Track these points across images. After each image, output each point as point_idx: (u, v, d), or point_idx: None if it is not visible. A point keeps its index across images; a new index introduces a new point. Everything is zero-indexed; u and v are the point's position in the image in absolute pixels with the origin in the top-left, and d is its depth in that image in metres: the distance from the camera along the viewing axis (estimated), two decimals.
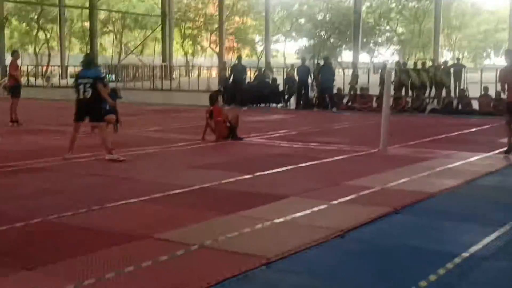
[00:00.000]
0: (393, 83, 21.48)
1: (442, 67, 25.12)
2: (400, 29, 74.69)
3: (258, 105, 23.49)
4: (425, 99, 22.40)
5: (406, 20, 72.04)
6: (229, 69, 25.08)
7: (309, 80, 22.79)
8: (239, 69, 23.96)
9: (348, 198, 7.16)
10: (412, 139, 12.87)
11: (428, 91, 23.87)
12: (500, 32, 71.49)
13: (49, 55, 58.93)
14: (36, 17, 61.38)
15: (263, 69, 29.03)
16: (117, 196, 7.12)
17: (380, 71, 26.73)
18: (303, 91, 22.53)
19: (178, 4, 65.00)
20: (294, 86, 23.27)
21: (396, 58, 68.37)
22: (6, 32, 55.33)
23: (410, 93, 23.21)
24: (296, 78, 23.08)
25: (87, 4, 52.10)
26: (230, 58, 62.13)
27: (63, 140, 12.53)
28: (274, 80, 25.32)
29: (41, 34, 62.78)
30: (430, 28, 56.72)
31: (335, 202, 6.95)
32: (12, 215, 6.25)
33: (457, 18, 72.88)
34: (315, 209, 6.61)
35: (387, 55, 74.04)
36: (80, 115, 10.27)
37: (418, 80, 23.20)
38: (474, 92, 22.31)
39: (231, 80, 23.95)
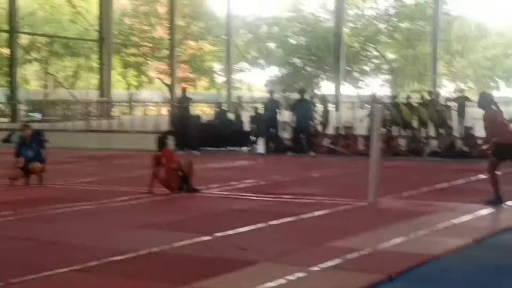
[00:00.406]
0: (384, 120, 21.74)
1: (445, 100, 25.42)
2: (390, 55, 76.07)
3: (219, 149, 23.52)
4: (423, 140, 22.68)
5: (398, 45, 73.43)
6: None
7: (279, 118, 22.98)
8: (185, 102, 24.11)
9: (331, 263, 7.13)
10: (408, 189, 12.96)
11: (425, 130, 24.14)
12: (510, 58, 73.15)
13: None
14: None
15: (223, 105, 29.23)
16: (41, 265, 6.99)
17: (366, 106, 27.10)
18: (272, 132, 22.70)
19: (118, 26, 65.31)
20: (263, 125, 23.40)
21: (386, 90, 69.46)
22: None
23: (404, 132, 23.48)
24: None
25: (5, 27, 52.00)
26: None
27: None
28: (238, 117, 25.46)
29: None
30: (427, 54, 57.90)
31: (315, 268, 6.92)
32: None
33: (459, 41, 74.37)
34: (291, 277, 6.56)
35: (375, 86, 75.13)
36: None
37: (409, 117, 23.52)
38: (482, 130, 22.63)
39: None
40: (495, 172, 11.26)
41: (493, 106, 11.38)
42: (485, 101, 11.46)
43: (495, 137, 11.33)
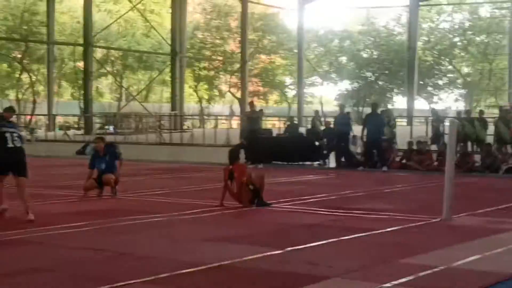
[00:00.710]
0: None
1: None
2: (465, 69, 74.92)
3: (289, 163, 23.53)
4: (498, 156, 22.21)
5: (473, 58, 72.26)
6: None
7: (351, 133, 22.87)
8: (253, 117, 24.29)
9: (403, 280, 7.05)
10: (483, 206, 12.73)
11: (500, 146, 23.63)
12: None
13: (34, 102, 60.07)
14: (19, 56, 62.83)
15: (294, 119, 29.30)
16: (113, 276, 7.11)
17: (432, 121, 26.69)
18: (343, 146, 22.59)
19: (191, 40, 66.19)
20: (334, 139, 23.30)
21: (461, 104, 68.42)
22: None
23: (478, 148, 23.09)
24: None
25: (80, 41, 53.28)
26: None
27: (48, 206, 12.66)
28: (311, 132, 25.43)
29: (25, 77, 64.16)
30: (504, 68, 56.86)
31: (387, 285, 6.86)
32: None
33: None
34: None
35: (450, 101, 74.10)
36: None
37: (482, 133, 23.12)
38: None
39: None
40: None
41: None
42: None
43: None
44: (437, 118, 26.40)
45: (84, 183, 14.03)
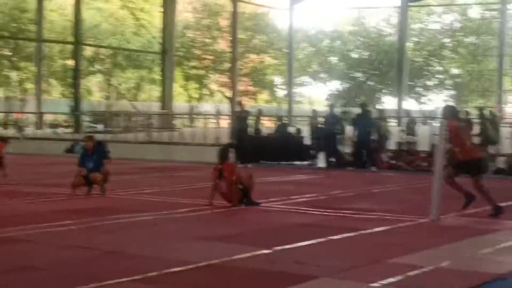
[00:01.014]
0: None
1: None
2: (454, 70, 75.15)
3: (279, 162, 23.54)
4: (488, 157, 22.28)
5: (463, 59, 72.51)
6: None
7: (339, 132, 22.89)
8: (242, 117, 24.38)
9: (392, 279, 7.07)
10: (472, 206, 12.76)
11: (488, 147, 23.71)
12: None
13: (23, 99, 59.84)
14: (9, 54, 62.62)
15: (284, 119, 29.27)
16: (102, 275, 7.10)
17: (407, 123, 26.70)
18: (332, 146, 22.62)
19: (181, 39, 66.11)
20: (323, 139, 23.33)
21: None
22: None
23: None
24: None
25: (70, 39, 53.12)
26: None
27: (37, 204, 12.63)
28: (298, 132, 25.47)
29: (13, 75, 63.95)
30: (493, 70, 57.05)
31: (375, 284, 6.87)
32: None
33: None
34: None
35: (438, 102, 74.32)
36: None
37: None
38: None
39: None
40: (454, 180, 11.85)
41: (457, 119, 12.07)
42: (449, 112, 12.17)
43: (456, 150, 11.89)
44: (411, 120, 26.59)
45: (72, 180, 14.01)
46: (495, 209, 11.63)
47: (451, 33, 71.66)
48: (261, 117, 26.78)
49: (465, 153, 11.82)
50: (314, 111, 27.61)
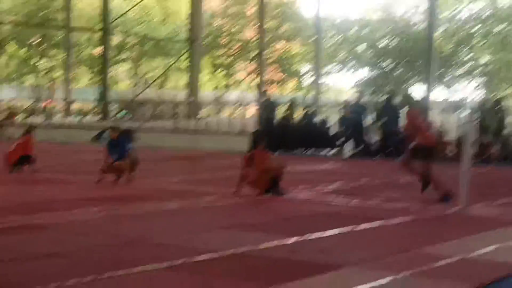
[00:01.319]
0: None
1: None
2: (485, 58, 74.41)
3: (305, 151, 23.52)
4: None
5: (492, 47, 71.78)
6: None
7: (366, 121, 22.80)
8: (268, 106, 24.38)
9: (418, 269, 7.05)
10: (501, 196, 12.69)
11: None
12: None
13: (52, 87, 60.33)
14: (37, 42, 63.08)
15: (311, 107, 29.14)
16: (129, 261, 7.14)
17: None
18: (359, 135, 22.57)
19: (208, 28, 66.13)
20: (350, 128, 23.22)
21: (480, 94, 67.97)
22: (2, 60, 56.96)
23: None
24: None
25: (97, 27, 53.38)
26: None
27: (65, 191, 12.75)
28: (325, 121, 25.37)
29: (42, 62, 64.43)
30: None
31: (401, 274, 6.85)
32: (8, 282, 6.34)
33: None
34: (376, 283, 6.52)
35: (469, 90, 73.67)
36: None
37: (496, 123, 22.93)
38: None
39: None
40: (410, 166, 12.35)
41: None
42: (407, 99, 12.92)
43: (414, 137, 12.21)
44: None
45: (100, 168, 14.13)
46: (443, 196, 11.88)
47: (481, 20, 70.93)
48: (294, 107, 26.12)
49: (423, 139, 12.23)
50: (345, 101, 27.40)
